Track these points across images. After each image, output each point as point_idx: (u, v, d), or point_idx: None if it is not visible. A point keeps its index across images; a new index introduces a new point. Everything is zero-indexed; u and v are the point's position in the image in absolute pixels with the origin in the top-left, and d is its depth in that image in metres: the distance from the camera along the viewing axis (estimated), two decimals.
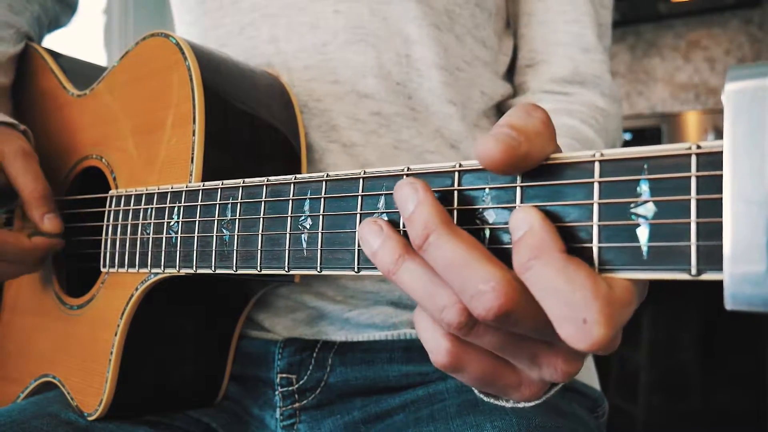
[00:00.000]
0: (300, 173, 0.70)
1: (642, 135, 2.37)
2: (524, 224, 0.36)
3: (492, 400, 0.46)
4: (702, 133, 2.28)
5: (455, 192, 0.40)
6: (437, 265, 0.38)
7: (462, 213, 0.40)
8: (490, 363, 0.41)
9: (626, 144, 2.37)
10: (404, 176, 0.43)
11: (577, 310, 0.33)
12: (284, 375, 0.75)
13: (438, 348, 0.41)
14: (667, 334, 2.08)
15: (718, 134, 2.24)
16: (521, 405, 0.45)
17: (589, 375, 0.81)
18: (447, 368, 0.41)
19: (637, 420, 2.10)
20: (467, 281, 0.36)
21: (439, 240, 0.37)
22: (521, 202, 0.37)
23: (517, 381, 0.42)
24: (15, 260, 0.72)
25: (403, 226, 0.43)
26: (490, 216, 0.39)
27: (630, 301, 0.35)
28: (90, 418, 0.66)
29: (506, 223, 0.38)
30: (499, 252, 0.38)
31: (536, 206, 0.37)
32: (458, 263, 0.36)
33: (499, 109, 0.87)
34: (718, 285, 0.31)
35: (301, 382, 0.75)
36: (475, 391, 0.47)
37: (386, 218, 0.43)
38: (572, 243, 0.35)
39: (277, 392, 0.75)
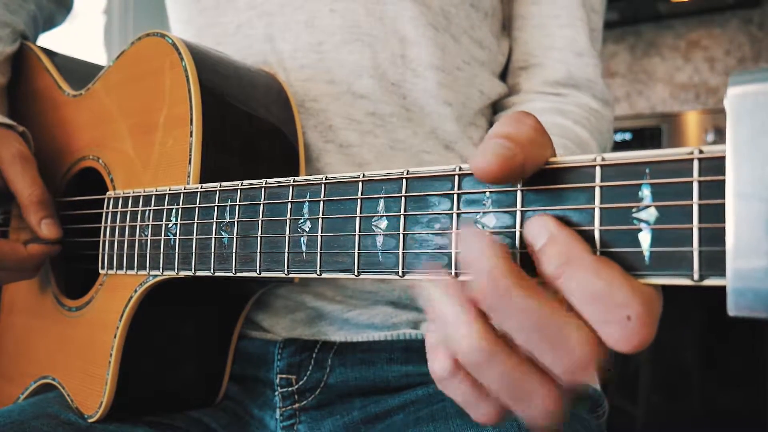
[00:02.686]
0: (298, 173, 0.70)
1: (642, 135, 2.36)
2: (543, 232, 0.35)
3: None
4: (702, 133, 2.28)
5: (455, 196, 0.40)
6: (515, 327, 0.35)
7: (462, 217, 0.40)
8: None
9: (626, 144, 2.37)
10: (403, 180, 0.42)
11: (620, 310, 0.32)
12: (284, 375, 0.75)
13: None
14: (668, 334, 2.07)
15: (719, 134, 2.24)
16: None
17: None
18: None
19: (637, 420, 2.10)
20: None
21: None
22: (522, 206, 0.37)
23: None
24: (11, 268, 0.72)
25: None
26: (491, 220, 0.38)
27: (658, 295, 0.35)
28: (90, 420, 0.66)
29: (507, 228, 0.38)
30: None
31: (540, 209, 0.37)
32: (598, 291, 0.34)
33: (494, 108, 0.87)
34: (720, 287, 0.31)
35: (300, 383, 0.75)
36: None
37: (384, 224, 0.43)
38: None
39: (276, 393, 0.75)
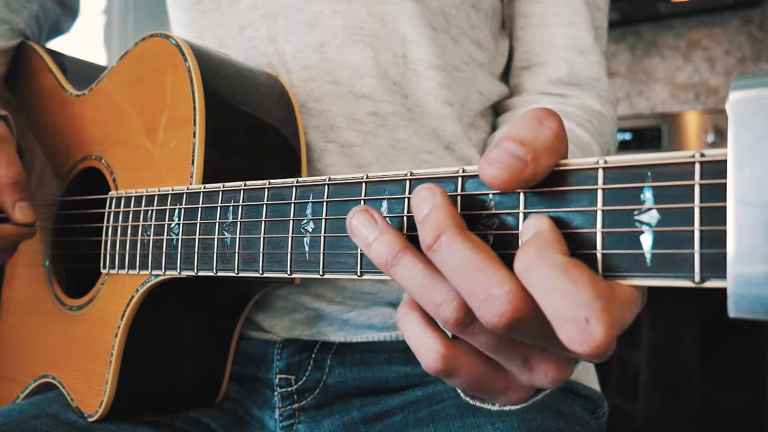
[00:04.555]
0: (300, 173, 0.71)
1: (642, 135, 2.36)
2: (533, 228, 0.36)
3: (477, 403, 0.46)
4: (702, 133, 2.28)
5: (458, 197, 0.40)
6: (446, 267, 0.37)
7: (466, 219, 0.40)
8: (482, 367, 0.41)
9: (626, 144, 2.37)
10: (407, 181, 0.43)
11: (580, 310, 0.32)
12: (283, 376, 0.75)
13: (431, 352, 0.40)
14: (667, 334, 2.08)
15: (719, 134, 2.24)
16: (507, 408, 0.45)
17: (588, 376, 0.81)
18: (439, 373, 0.40)
19: (637, 420, 2.10)
20: (478, 284, 0.35)
21: (451, 241, 0.36)
22: (525, 209, 0.37)
23: (506, 385, 0.42)
24: None
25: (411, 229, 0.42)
26: (494, 222, 0.39)
27: (631, 302, 0.35)
28: (90, 420, 0.66)
29: (510, 229, 0.38)
30: (504, 258, 0.38)
31: (543, 212, 0.37)
32: (470, 265, 0.36)
33: (495, 109, 0.87)
34: (720, 289, 0.31)
35: (300, 383, 0.75)
36: (460, 393, 0.47)
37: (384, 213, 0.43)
38: (576, 249, 0.35)
39: (276, 393, 0.75)
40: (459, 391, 0.46)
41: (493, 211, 0.39)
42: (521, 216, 0.38)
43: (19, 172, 0.71)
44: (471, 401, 0.46)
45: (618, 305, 0.34)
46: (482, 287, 0.35)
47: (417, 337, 0.41)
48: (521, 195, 0.38)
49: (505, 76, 0.90)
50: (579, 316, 0.32)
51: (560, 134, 0.37)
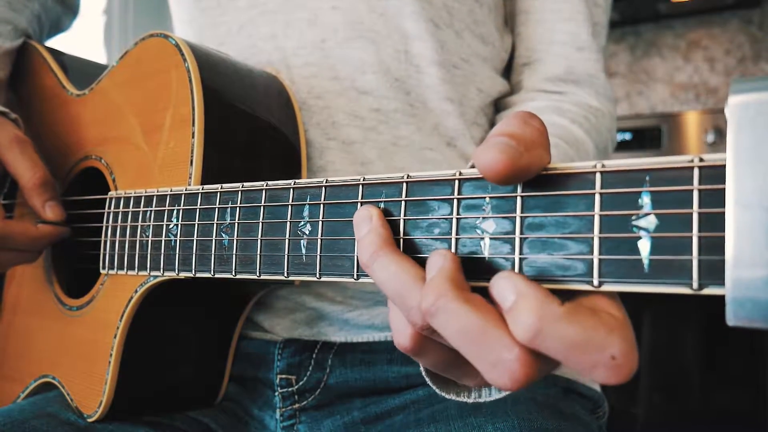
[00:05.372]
0: (300, 172, 0.70)
1: (642, 135, 2.36)
2: (510, 290, 0.35)
3: (453, 397, 0.46)
4: (702, 133, 2.28)
5: (455, 201, 0.40)
6: (447, 330, 0.36)
7: (462, 224, 0.40)
8: (451, 352, 0.41)
9: (626, 144, 2.37)
10: (403, 184, 0.42)
11: (603, 352, 0.32)
12: (284, 376, 0.75)
13: (403, 330, 0.40)
14: (668, 335, 2.08)
15: (719, 134, 2.24)
16: (482, 399, 0.45)
17: None
18: (408, 351, 0.41)
19: (637, 420, 2.10)
20: (486, 349, 0.34)
21: (450, 304, 0.35)
22: (522, 212, 0.37)
23: (475, 370, 0.42)
24: (22, 248, 0.72)
25: (405, 232, 0.42)
26: (490, 226, 0.38)
27: (626, 314, 0.35)
28: (90, 420, 0.66)
29: (506, 233, 0.38)
30: (500, 262, 0.38)
31: (539, 216, 0.37)
32: (475, 329, 0.35)
33: (497, 106, 0.87)
34: (719, 296, 0.31)
35: (300, 383, 0.75)
36: (430, 383, 0.46)
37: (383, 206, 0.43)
38: (572, 254, 0.35)
39: (276, 393, 0.75)
40: (427, 378, 0.46)
41: (490, 215, 0.38)
42: (518, 219, 0.37)
43: (46, 173, 0.73)
44: (446, 395, 0.46)
45: (627, 327, 0.33)
46: (491, 351, 0.34)
47: (396, 317, 0.41)
48: (518, 198, 0.37)
49: (508, 72, 0.90)
50: (605, 357, 0.32)
51: (543, 131, 0.38)
